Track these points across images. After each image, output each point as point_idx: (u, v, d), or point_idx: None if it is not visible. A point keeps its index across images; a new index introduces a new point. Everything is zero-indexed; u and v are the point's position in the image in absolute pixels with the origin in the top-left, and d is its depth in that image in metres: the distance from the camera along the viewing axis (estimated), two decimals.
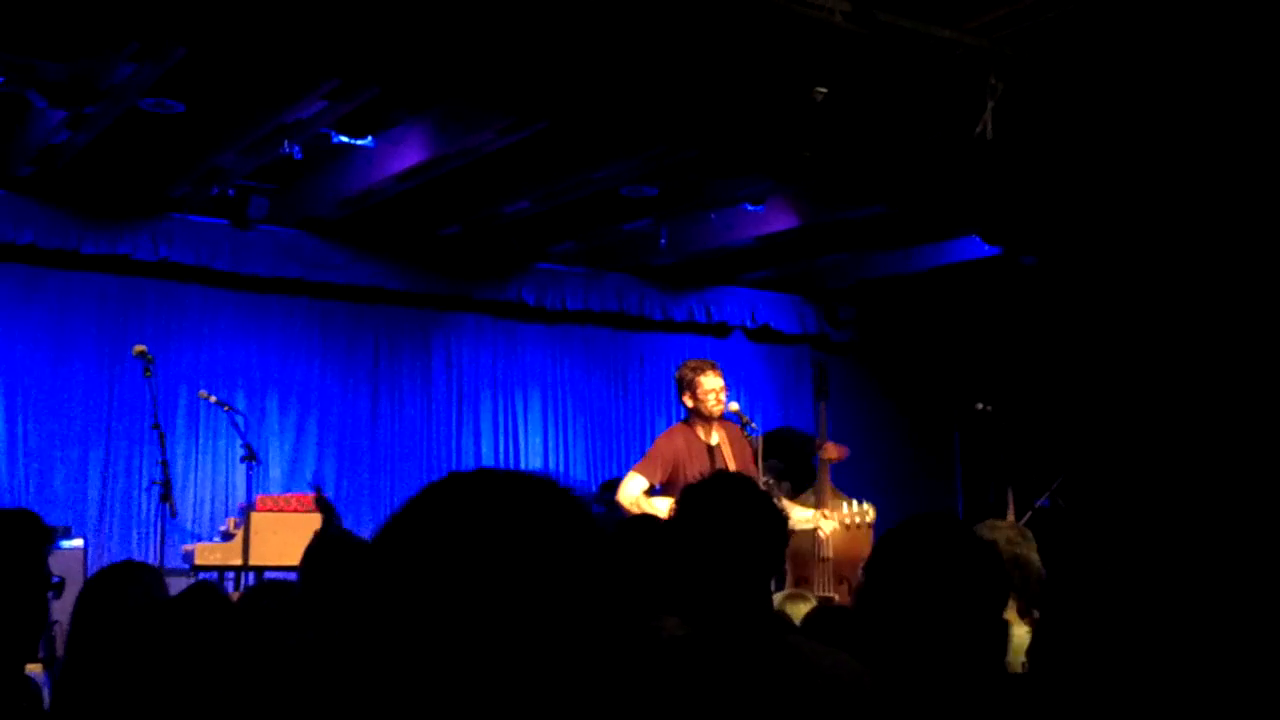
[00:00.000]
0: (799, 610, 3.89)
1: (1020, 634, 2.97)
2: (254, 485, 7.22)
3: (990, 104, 5.48)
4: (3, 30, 5.75)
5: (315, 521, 6.87)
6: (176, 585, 3.18)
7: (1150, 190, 6.38)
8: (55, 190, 8.05)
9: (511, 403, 10.04)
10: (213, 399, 7.59)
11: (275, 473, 8.86)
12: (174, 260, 8.54)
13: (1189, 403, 6.92)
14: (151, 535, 7.86)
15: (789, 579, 6.36)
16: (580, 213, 8.86)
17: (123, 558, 7.21)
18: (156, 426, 6.65)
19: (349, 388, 9.37)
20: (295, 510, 7.59)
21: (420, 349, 9.71)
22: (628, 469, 6.53)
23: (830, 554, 6.49)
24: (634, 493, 6.06)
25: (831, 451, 6.77)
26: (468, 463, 9.60)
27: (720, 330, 10.84)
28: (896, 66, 5.46)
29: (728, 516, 2.46)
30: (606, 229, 9.28)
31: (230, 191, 8.40)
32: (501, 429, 9.96)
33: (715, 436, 6.23)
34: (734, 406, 6.33)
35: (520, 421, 10.06)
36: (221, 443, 8.71)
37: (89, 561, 7.17)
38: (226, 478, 8.71)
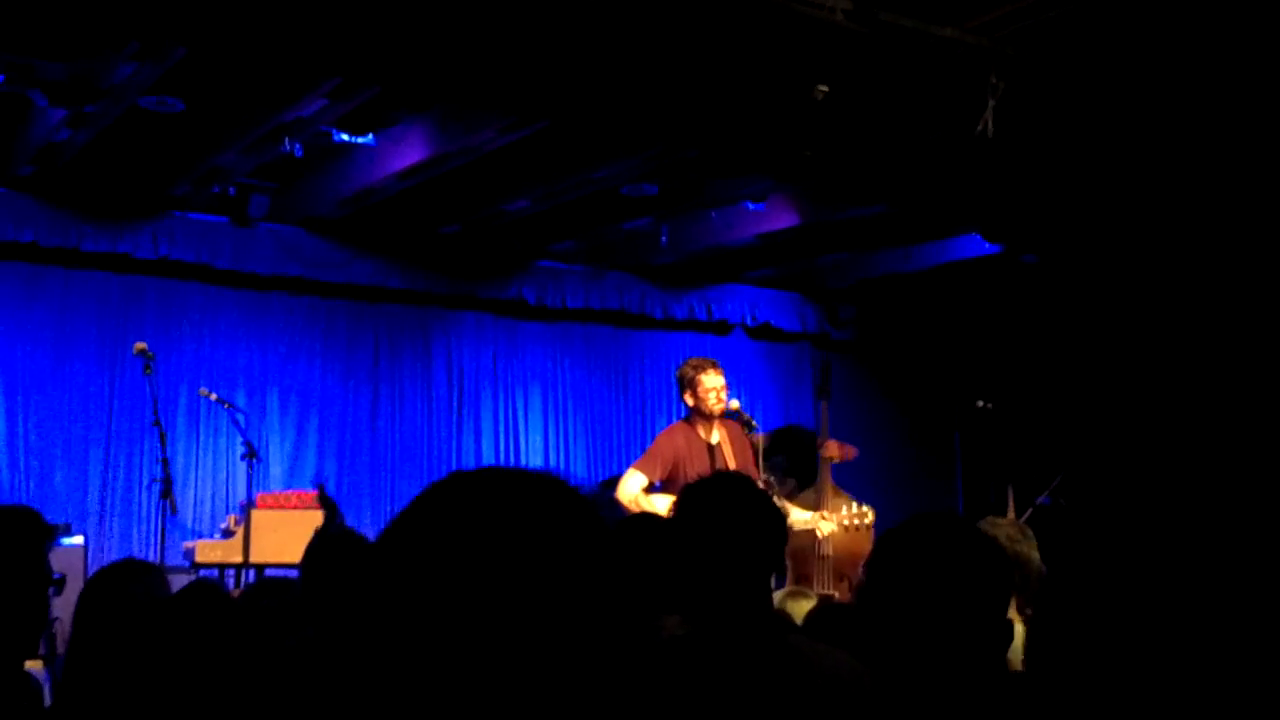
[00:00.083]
0: (800, 608, 3.89)
1: (1021, 632, 2.97)
2: (254, 483, 7.23)
3: (991, 103, 5.47)
4: (3, 30, 5.75)
5: (316, 519, 6.87)
6: (177, 583, 3.18)
7: (1151, 188, 6.38)
8: (56, 189, 8.05)
9: (512, 401, 10.04)
10: (213, 396, 7.59)
11: (276, 470, 8.87)
12: (174, 259, 8.55)
13: (1190, 401, 6.92)
14: (152, 532, 7.87)
15: (789, 576, 6.37)
16: (581, 211, 8.86)
17: (123, 555, 7.24)
18: (157, 424, 6.66)
19: (349, 386, 9.38)
20: (295, 508, 7.60)
21: (420, 347, 9.72)
22: (628, 467, 6.54)
23: (830, 552, 6.50)
24: (633, 490, 6.07)
25: (833, 450, 6.78)
26: (468, 461, 9.61)
27: (721, 328, 10.84)
28: (898, 65, 5.46)
29: (726, 516, 2.46)
30: (607, 228, 9.28)
31: (231, 190, 8.41)
32: (502, 427, 9.97)
33: (716, 435, 6.24)
34: (734, 405, 6.33)
35: (520, 419, 10.06)
36: (222, 440, 8.72)
37: (89, 559, 7.18)
38: (227, 475, 8.72)
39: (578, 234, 9.47)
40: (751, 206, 8.82)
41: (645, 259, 10.02)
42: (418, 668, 0.97)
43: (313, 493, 7.70)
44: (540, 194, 8.35)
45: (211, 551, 7.51)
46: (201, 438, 8.77)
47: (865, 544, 6.28)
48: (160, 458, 6.61)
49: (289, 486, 8.53)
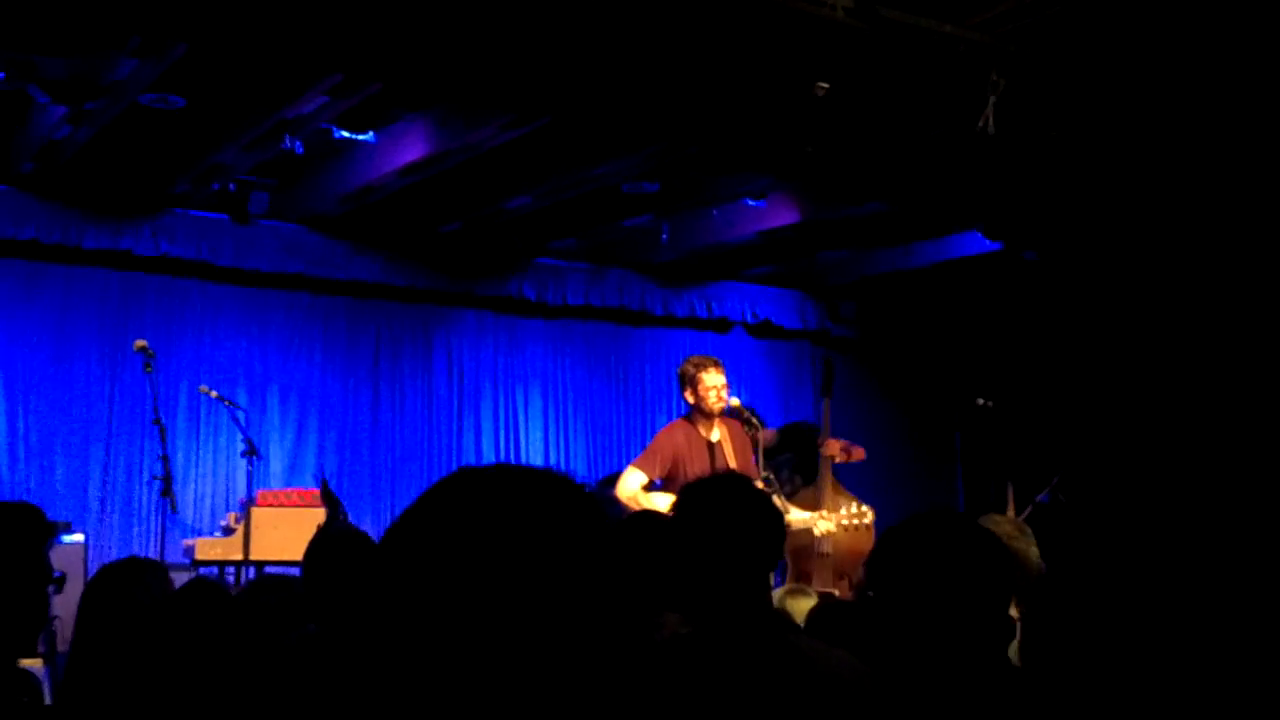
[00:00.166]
0: (800, 605, 3.89)
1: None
2: (255, 480, 7.23)
3: (992, 99, 5.47)
4: (4, 27, 5.75)
5: (316, 516, 6.87)
6: (177, 580, 3.18)
7: (1152, 186, 6.38)
8: (57, 186, 8.05)
9: (512, 398, 10.04)
10: (214, 394, 7.59)
11: (276, 468, 8.86)
12: (175, 255, 8.55)
13: (1189, 398, 6.92)
14: (152, 530, 7.88)
15: (790, 574, 6.37)
16: (581, 209, 8.86)
17: (123, 553, 7.26)
18: (157, 421, 6.66)
19: (350, 383, 9.38)
20: (296, 505, 7.60)
21: (421, 344, 9.71)
22: (628, 464, 6.54)
23: (830, 550, 6.49)
24: (633, 487, 6.07)
25: (834, 448, 6.78)
26: (468, 458, 9.60)
27: (721, 326, 10.84)
28: (898, 62, 5.46)
29: (725, 515, 2.47)
30: (607, 225, 9.28)
31: (231, 187, 8.40)
32: (502, 424, 9.96)
33: (716, 433, 6.23)
34: (735, 402, 6.33)
35: (521, 417, 10.06)
36: (222, 438, 8.72)
37: (90, 556, 7.18)
38: (227, 472, 8.71)
39: (578, 231, 9.46)
40: (752, 204, 8.81)
41: (646, 256, 10.02)
42: (423, 662, 0.97)
43: (313, 490, 7.70)
44: (541, 191, 8.34)
45: (212, 549, 7.51)
46: (202, 435, 8.77)
47: (865, 542, 6.29)
48: (160, 455, 6.61)
49: (289, 484, 8.53)
